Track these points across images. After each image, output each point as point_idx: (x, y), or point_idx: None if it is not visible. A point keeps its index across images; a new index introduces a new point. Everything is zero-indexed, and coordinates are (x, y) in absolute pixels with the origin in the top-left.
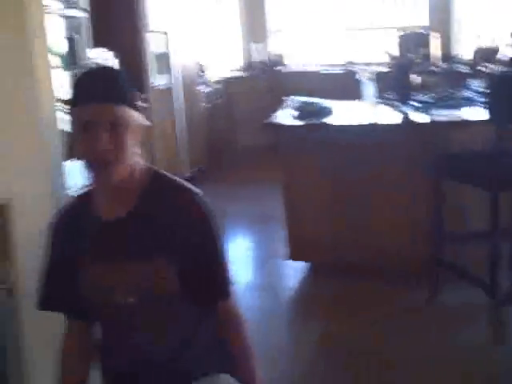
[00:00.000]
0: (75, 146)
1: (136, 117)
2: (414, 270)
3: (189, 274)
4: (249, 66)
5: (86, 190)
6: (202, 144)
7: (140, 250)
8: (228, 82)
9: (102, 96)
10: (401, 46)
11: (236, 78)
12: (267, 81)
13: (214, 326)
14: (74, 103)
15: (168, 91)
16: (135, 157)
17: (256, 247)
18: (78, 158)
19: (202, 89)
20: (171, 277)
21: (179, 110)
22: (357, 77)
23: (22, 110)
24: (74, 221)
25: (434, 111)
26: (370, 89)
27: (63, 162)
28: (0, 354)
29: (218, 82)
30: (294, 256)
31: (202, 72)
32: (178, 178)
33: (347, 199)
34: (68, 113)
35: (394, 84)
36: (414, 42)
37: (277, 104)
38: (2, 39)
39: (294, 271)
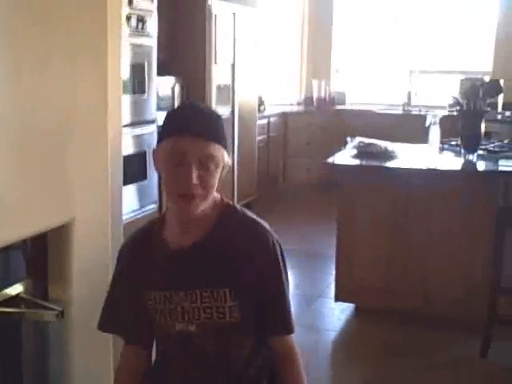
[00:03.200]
0: (163, 175)
1: (225, 156)
2: (467, 321)
3: (252, 306)
4: (308, 101)
5: (158, 217)
6: (252, 176)
7: (204, 279)
8: (286, 116)
9: (199, 130)
10: (465, 91)
11: (294, 113)
12: (326, 118)
13: (268, 358)
14: (169, 134)
15: (229, 122)
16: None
17: (303, 285)
18: (165, 189)
19: (259, 121)
20: (233, 308)
21: (235, 141)
22: (419, 119)
23: (92, 133)
24: (142, 246)
25: (501, 161)
26: (433, 133)
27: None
28: (45, 378)
29: (276, 116)
30: (341, 297)
31: (262, 105)
32: (249, 212)
33: (403, 244)
34: (158, 143)
35: (462, 131)
36: (480, 87)
37: (333, 141)
38: (82, 65)
39: (340, 312)
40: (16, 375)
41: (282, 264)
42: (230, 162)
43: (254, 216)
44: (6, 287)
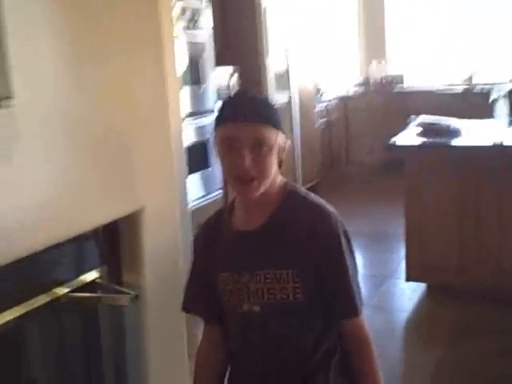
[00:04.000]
0: (221, 161)
1: (280, 138)
2: None
3: (315, 289)
4: (367, 83)
5: (229, 203)
6: (316, 160)
7: (269, 261)
8: (345, 99)
9: (248, 115)
10: None
11: (353, 96)
12: (385, 99)
13: (338, 341)
14: (221, 121)
15: (287, 108)
16: (276, 174)
17: (372, 266)
18: (224, 173)
19: (319, 105)
20: (297, 289)
21: (295, 126)
22: (483, 96)
23: (154, 125)
24: (214, 230)
25: None
26: (500, 107)
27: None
28: (122, 361)
29: (335, 99)
30: (412, 276)
31: (320, 89)
32: (312, 195)
33: (474, 222)
34: (215, 130)
35: None
36: None
37: (394, 121)
38: (139, 60)
39: (411, 292)
40: (95, 356)
41: (345, 245)
42: (288, 144)
43: (318, 198)
44: (82, 273)
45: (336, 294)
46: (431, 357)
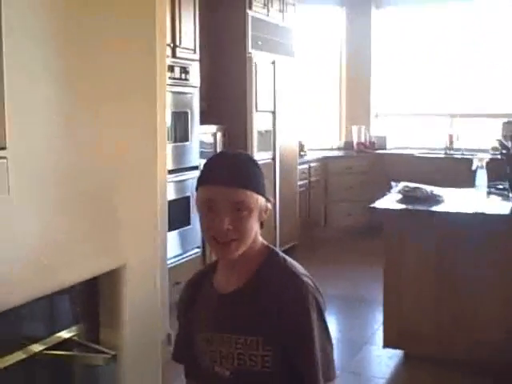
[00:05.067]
0: (200, 221)
1: (260, 201)
2: None
3: (282, 358)
4: (348, 146)
5: (215, 260)
6: (294, 222)
7: (241, 326)
8: (326, 160)
9: (227, 179)
10: (508, 133)
11: (335, 158)
12: (366, 162)
13: None
14: (202, 182)
15: (270, 168)
16: (256, 236)
17: (349, 331)
18: (202, 233)
19: (300, 167)
20: (266, 357)
21: (276, 186)
22: (463, 163)
23: (142, 179)
24: (196, 289)
25: None
26: (479, 177)
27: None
28: None
29: (316, 160)
30: (389, 343)
31: (302, 150)
32: (291, 263)
33: (452, 289)
34: (196, 190)
35: (510, 174)
36: None
37: (374, 186)
38: (132, 113)
39: (388, 359)
40: None
41: (315, 319)
42: (269, 206)
43: (296, 265)
44: (59, 331)
45: (300, 368)
46: None
